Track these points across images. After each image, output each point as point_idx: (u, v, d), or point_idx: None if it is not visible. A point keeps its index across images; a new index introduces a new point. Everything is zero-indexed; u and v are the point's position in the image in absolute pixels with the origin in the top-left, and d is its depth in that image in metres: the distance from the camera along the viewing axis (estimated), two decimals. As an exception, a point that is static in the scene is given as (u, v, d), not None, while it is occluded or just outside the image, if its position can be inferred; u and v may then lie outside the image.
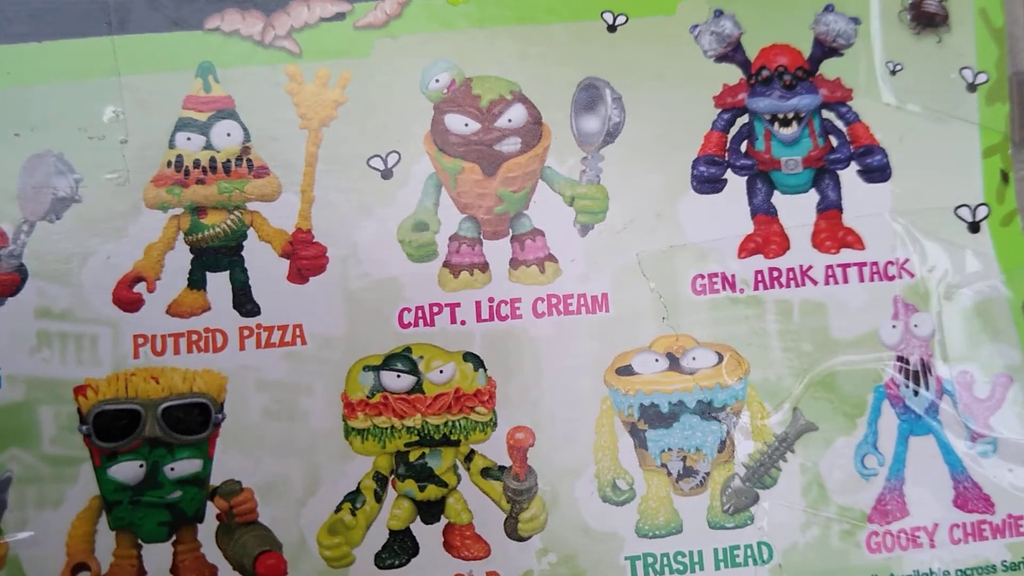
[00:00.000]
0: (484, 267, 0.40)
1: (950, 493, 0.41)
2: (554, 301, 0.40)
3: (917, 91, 0.43)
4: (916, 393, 0.41)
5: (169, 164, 0.40)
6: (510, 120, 0.41)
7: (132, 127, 0.40)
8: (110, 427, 0.38)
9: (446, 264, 0.40)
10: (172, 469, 0.38)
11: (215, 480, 0.39)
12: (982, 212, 0.42)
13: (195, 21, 0.41)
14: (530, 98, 0.41)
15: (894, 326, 0.41)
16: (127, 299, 0.39)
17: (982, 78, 0.43)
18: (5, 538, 0.37)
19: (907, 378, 0.41)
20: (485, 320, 0.40)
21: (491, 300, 0.40)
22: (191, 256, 0.40)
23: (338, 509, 0.39)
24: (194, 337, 0.39)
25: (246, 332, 0.39)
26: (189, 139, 0.40)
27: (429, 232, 0.40)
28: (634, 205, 0.41)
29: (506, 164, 0.41)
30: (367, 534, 0.39)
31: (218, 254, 0.40)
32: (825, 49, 0.43)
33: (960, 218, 0.42)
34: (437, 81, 0.41)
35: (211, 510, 0.39)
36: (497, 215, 0.41)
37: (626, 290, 0.41)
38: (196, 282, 0.39)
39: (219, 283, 0.40)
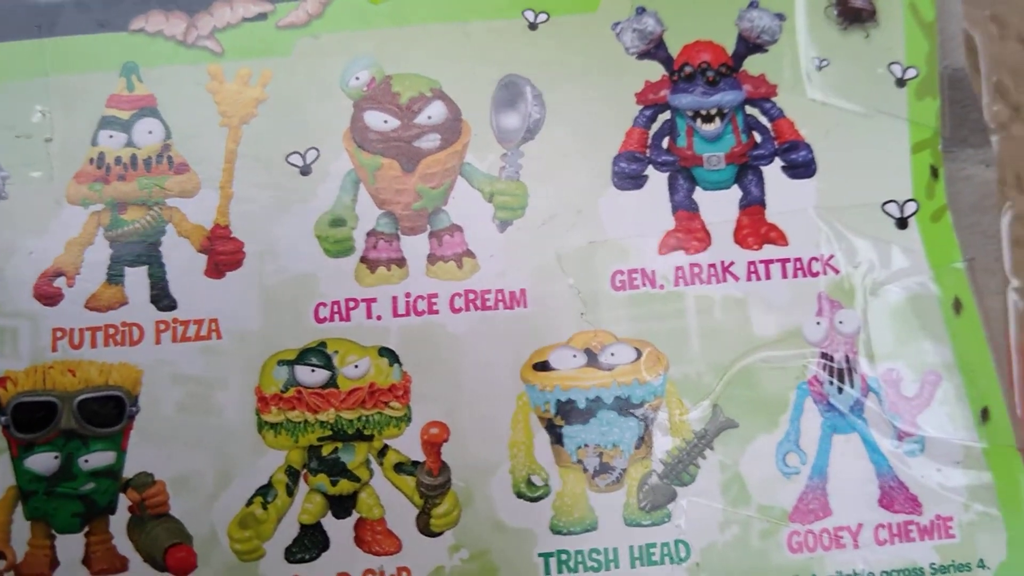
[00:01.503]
0: (401, 262, 0.41)
1: (875, 493, 0.41)
2: (471, 297, 0.41)
3: (844, 87, 0.43)
4: (840, 390, 0.41)
5: (92, 161, 0.41)
6: (430, 117, 0.42)
7: (58, 126, 0.42)
8: (28, 418, 0.39)
9: (363, 259, 0.41)
10: (86, 461, 0.39)
11: (128, 472, 0.40)
12: (910, 208, 0.43)
13: (121, 22, 0.42)
14: (450, 95, 0.42)
15: (818, 323, 0.42)
16: (47, 293, 0.40)
17: (911, 73, 0.43)
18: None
19: (831, 375, 0.41)
20: (401, 315, 0.41)
21: (408, 295, 0.41)
22: (110, 251, 0.41)
23: (249, 503, 0.40)
24: (111, 331, 0.40)
25: (162, 326, 0.40)
26: (112, 137, 0.41)
27: (346, 228, 0.41)
28: (554, 201, 0.42)
29: (425, 160, 0.42)
30: (278, 528, 0.40)
31: (137, 249, 0.41)
32: (749, 45, 0.43)
33: (888, 214, 0.43)
34: (357, 79, 0.42)
35: (124, 502, 0.40)
36: (415, 211, 0.42)
37: (545, 286, 0.41)
38: (115, 277, 0.41)
39: (137, 278, 0.41)
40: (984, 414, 0.42)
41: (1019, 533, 0.41)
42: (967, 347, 0.42)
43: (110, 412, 0.40)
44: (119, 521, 0.40)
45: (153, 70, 0.42)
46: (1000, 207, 0.45)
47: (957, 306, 0.43)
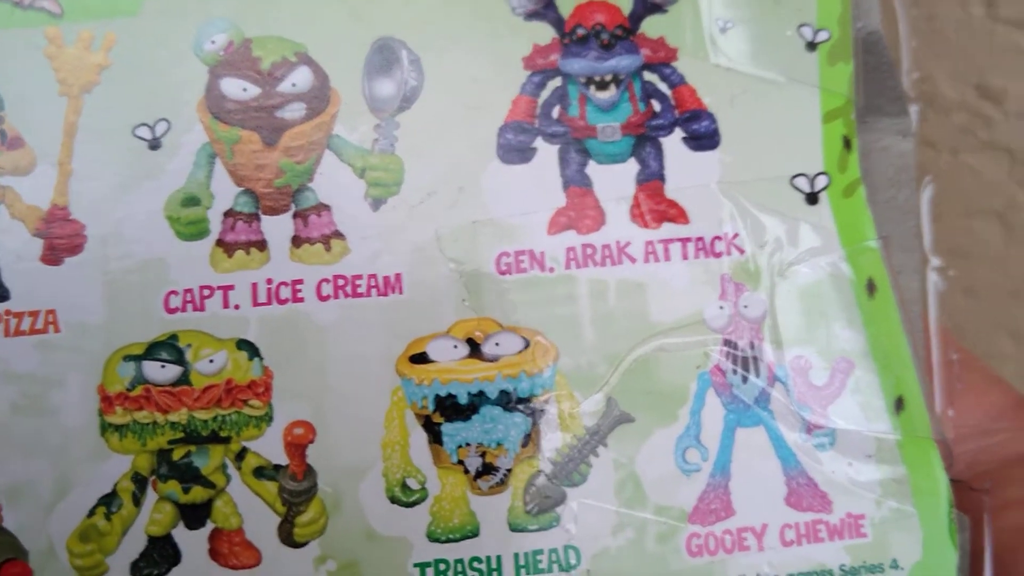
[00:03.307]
0: (262, 245, 0.38)
1: (782, 490, 0.39)
2: (341, 283, 0.38)
3: (750, 51, 0.41)
4: (745, 380, 0.38)
5: (-88, 135, 0.37)
6: (294, 84, 0.38)
7: None
8: None
9: (219, 242, 0.38)
10: None
11: None
12: (821, 182, 0.40)
13: (-54, -21, 0.38)
14: (317, 60, 0.39)
15: (721, 307, 0.39)
16: None
17: (823, 36, 0.41)
18: None
19: (735, 364, 0.38)
20: (262, 304, 0.38)
21: (269, 282, 0.38)
22: None
23: (91, 513, 0.37)
24: None
25: (-7, 319, 0.36)
26: (-66, 108, 0.37)
27: (200, 207, 0.38)
28: (433, 177, 0.39)
29: (289, 132, 0.38)
30: (123, 540, 0.37)
31: (-36, 233, 0.37)
32: (647, 5, 0.41)
33: (797, 188, 0.40)
34: (213, 42, 0.39)
35: None
36: (278, 188, 0.38)
37: (422, 270, 0.39)
38: (-62, 264, 0.37)
39: None
40: (899, 403, 0.40)
41: (935, 530, 0.39)
42: (881, 332, 0.40)
43: (-68, 415, 0.36)
44: (-57, 537, 0.36)
45: (-19, 33, 0.38)
46: (919, 181, 0.43)
47: (871, 288, 0.40)
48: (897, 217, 0.43)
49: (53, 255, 0.38)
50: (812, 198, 0.40)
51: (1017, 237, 0.61)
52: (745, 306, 0.39)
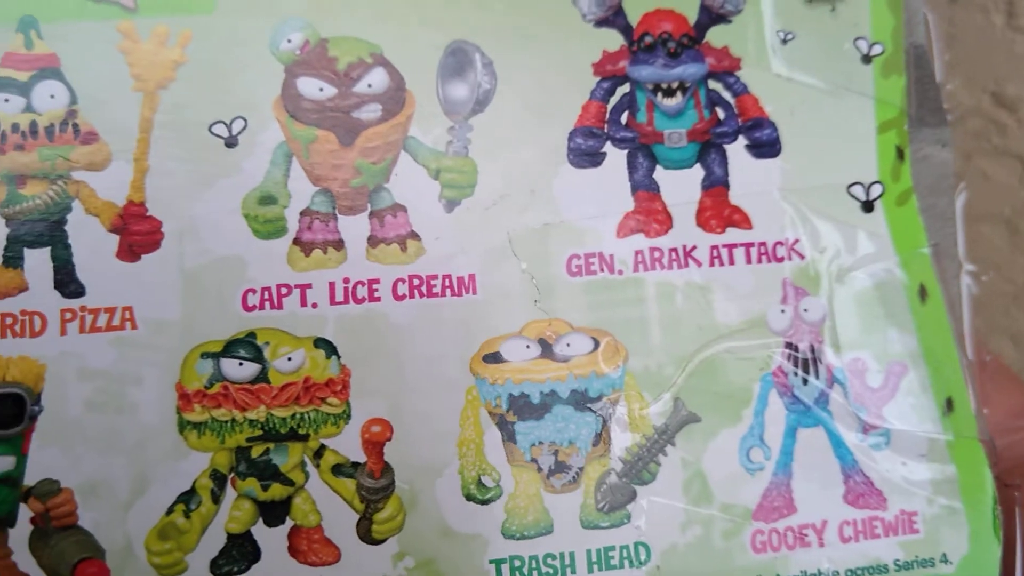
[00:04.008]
0: (339, 245, 0.38)
1: (840, 488, 0.40)
2: (416, 283, 0.38)
3: (809, 62, 0.42)
4: (805, 382, 0.40)
5: (-16, 128, 0.37)
6: (370, 85, 0.39)
7: (-58, 86, 0.37)
8: (-90, 421, 0.35)
9: (296, 241, 0.38)
10: None
11: (29, 480, 0.36)
12: (876, 191, 0.41)
13: (17, -30, 0.37)
14: (392, 62, 0.39)
15: (783, 311, 0.40)
16: (-68, 278, 0.36)
17: (877, 49, 0.42)
18: None
19: (796, 366, 0.40)
20: (339, 303, 0.38)
21: (346, 281, 0.38)
22: (7, 230, 0.38)
23: (170, 511, 0.37)
24: (8, 320, 0.37)
25: (68, 315, 0.37)
26: (7, 100, 0.37)
27: (278, 206, 0.38)
28: (505, 179, 0.40)
29: (365, 133, 0.38)
30: (202, 538, 0.37)
31: (38, 228, 0.37)
32: (712, 15, 0.41)
33: (853, 197, 0.41)
34: (289, 41, 0.39)
35: (24, 513, 0.36)
36: (354, 188, 0.38)
37: (495, 271, 0.39)
38: (12, 259, 0.37)
39: (39, 261, 0.38)
40: (948, 404, 0.41)
41: (980, 526, 0.41)
42: (932, 335, 0.42)
43: (8, 412, 0.36)
44: (19, 535, 0.36)
45: (55, 26, 0.38)
46: (956, 189, 0.44)
47: (923, 293, 0.42)
48: (938, 224, 0.44)
49: (130, 251, 0.37)
50: (868, 206, 0.42)
51: (1022, 243, 0.63)
52: (805, 310, 0.41)
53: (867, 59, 0.43)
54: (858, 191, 0.42)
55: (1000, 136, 0.57)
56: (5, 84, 0.37)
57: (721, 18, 0.42)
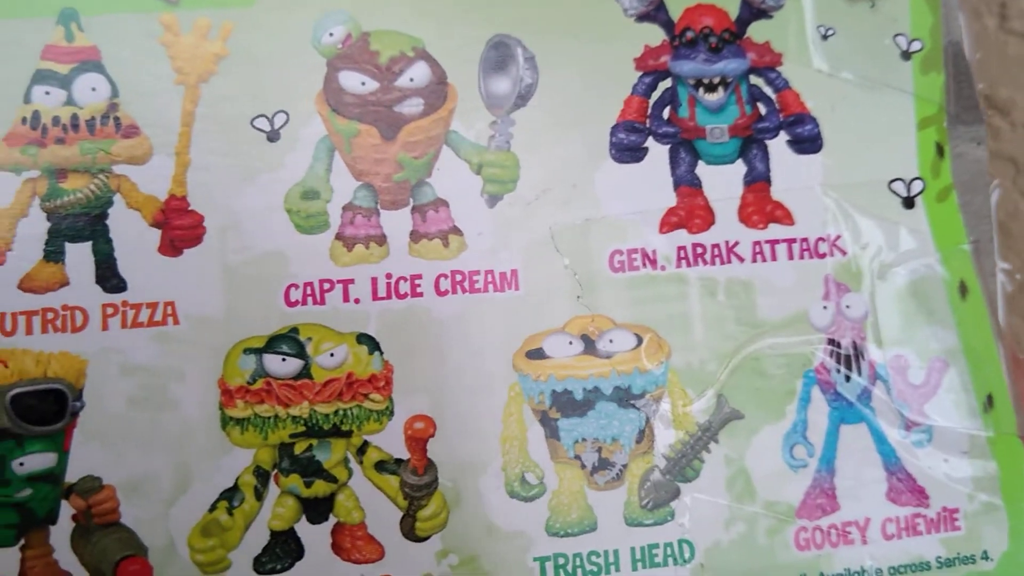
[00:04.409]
0: (381, 240, 0.38)
1: (883, 486, 0.40)
2: (459, 278, 0.38)
3: (850, 57, 0.42)
4: (848, 379, 0.39)
5: (24, 121, 0.37)
6: (412, 79, 0.38)
7: (-19, 79, 0.36)
8: (-50, 417, 0.34)
9: (339, 236, 0.38)
10: (21, 464, 0.35)
11: (71, 476, 0.36)
12: (917, 187, 0.41)
13: (57, -38, 0.37)
14: (434, 56, 0.39)
15: (825, 307, 0.40)
16: (-28, 272, 0.35)
17: (916, 46, 0.42)
18: None
19: (838, 362, 0.40)
20: (382, 298, 0.38)
21: (388, 276, 0.38)
22: (48, 224, 0.37)
23: (213, 508, 0.36)
24: (50, 315, 0.36)
25: (110, 310, 0.36)
26: (48, 93, 0.37)
27: (320, 201, 0.38)
28: (547, 174, 0.39)
29: (407, 127, 0.38)
30: (245, 535, 0.37)
31: (79, 222, 0.37)
32: (753, 10, 0.41)
33: (894, 193, 0.41)
34: (331, 35, 0.38)
35: (66, 510, 0.36)
36: (396, 183, 0.38)
37: (538, 266, 0.39)
38: (53, 254, 0.37)
39: (80, 255, 0.37)
40: (989, 401, 0.41)
41: (1021, 522, 0.41)
42: (972, 332, 0.42)
43: (49, 408, 0.36)
44: (61, 532, 0.36)
45: (96, 18, 0.38)
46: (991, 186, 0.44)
47: (963, 290, 0.42)
48: (973, 221, 0.44)
49: (171, 246, 0.37)
50: (908, 202, 0.42)
51: (1016, 246, 0.63)
52: (847, 306, 0.41)
53: (906, 55, 0.42)
54: (899, 187, 0.42)
55: (993, 139, 0.57)
56: (46, 77, 0.37)
57: (762, 13, 0.42)
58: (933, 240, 0.42)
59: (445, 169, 0.39)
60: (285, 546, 0.36)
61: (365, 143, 0.39)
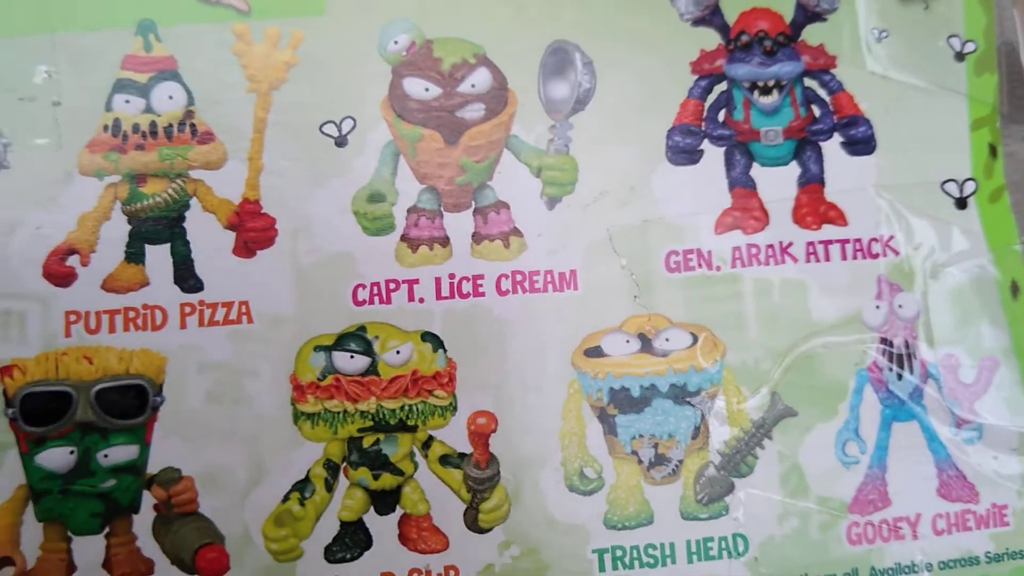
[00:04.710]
0: (444, 241, 0.39)
1: (934, 482, 0.41)
2: (519, 278, 0.39)
3: (903, 59, 0.42)
4: (900, 377, 0.40)
5: (106, 128, 0.38)
6: (473, 85, 0.39)
7: (66, 88, 0.39)
8: (39, 410, 0.37)
9: (404, 238, 0.39)
10: (106, 456, 0.37)
11: (152, 468, 0.38)
12: (970, 187, 0.42)
13: (135, -25, 0.39)
14: (495, 62, 0.40)
15: (878, 307, 0.40)
16: (59, 273, 0.38)
17: (970, 47, 0.42)
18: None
19: (891, 361, 0.40)
20: (445, 298, 0.39)
21: (452, 277, 0.39)
22: (129, 227, 0.39)
23: (285, 499, 0.38)
24: (131, 314, 0.38)
25: (188, 309, 0.38)
26: (128, 102, 0.38)
27: (386, 204, 0.39)
28: (605, 177, 0.40)
29: (469, 132, 0.39)
30: (317, 526, 0.38)
31: (158, 225, 0.38)
32: (808, 14, 0.42)
33: (947, 193, 0.42)
34: (396, 42, 0.39)
35: (148, 500, 0.38)
36: (459, 186, 0.39)
37: (596, 267, 0.40)
38: (134, 255, 0.38)
39: (159, 256, 0.39)
40: (1039, 400, 0.41)
41: (1068, 519, 0.41)
42: (1023, 331, 0.42)
43: (131, 403, 0.37)
44: (143, 521, 0.38)
45: (172, 29, 0.39)
46: None
47: (1014, 289, 0.42)
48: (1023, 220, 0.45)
49: (245, 248, 0.38)
50: (961, 203, 0.42)
51: None
52: (900, 306, 0.41)
53: (960, 57, 0.43)
54: (952, 188, 0.42)
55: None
56: (126, 86, 0.39)
57: (817, 16, 0.42)
58: (985, 240, 0.42)
59: (506, 172, 0.40)
60: (354, 536, 0.38)
61: (429, 147, 0.40)
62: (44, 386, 0.37)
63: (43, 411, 0.37)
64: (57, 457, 0.37)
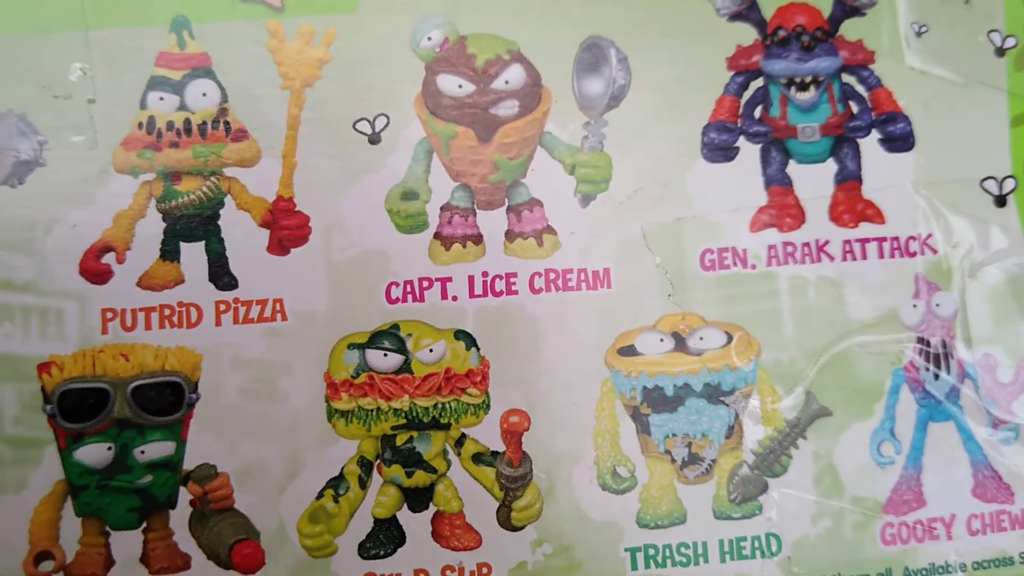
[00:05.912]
0: (478, 239, 0.39)
1: (969, 482, 0.40)
2: (552, 276, 0.39)
3: (943, 54, 0.42)
4: (937, 377, 0.40)
5: (140, 126, 0.38)
6: (507, 82, 0.39)
7: (100, 86, 0.38)
8: (76, 407, 0.37)
9: (437, 236, 0.39)
10: (143, 452, 0.37)
11: (189, 464, 0.38)
12: (1009, 185, 0.41)
13: (169, -28, 0.38)
14: (529, 58, 0.40)
15: (915, 305, 0.40)
16: (95, 270, 0.38)
17: (1011, 42, 0.42)
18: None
19: (927, 361, 0.40)
20: (478, 296, 0.39)
21: (485, 275, 0.39)
22: (164, 225, 0.39)
23: (320, 496, 0.38)
24: (167, 312, 0.38)
25: (222, 307, 0.38)
26: (162, 99, 0.38)
27: (419, 201, 0.39)
28: (639, 174, 0.40)
29: (502, 129, 0.39)
30: (351, 522, 0.39)
31: (193, 223, 0.38)
32: (846, 8, 0.41)
33: (986, 191, 0.41)
34: (429, 39, 0.39)
35: (184, 496, 0.38)
36: (492, 183, 0.39)
37: (630, 265, 0.40)
38: (169, 253, 0.38)
39: (194, 254, 0.39)
40: (1078, 400, 0.41)
41: (1105, 521, 0.40)
42: (1063, 331, 0.41)
43: (167, 399, 0.38)
44: (179, 516, 0.38)
45: (206, 26, 0.39)
46: None
47: (1054, 288, 0.41)
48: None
49: (279, 245, 0.38)
50: (1000, 200, 0.41)
51: None
52: (937, 304, 0.41)
53: (1000, 52, 0.42)
54: (991, 185, 0.41)
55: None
56: (160, 83, 0.39)
57: (855, 11, 0.41)
58: (1025, 239, 0.42)
59: (539, 169, 0.40)
60: (388, 533, 0.38)
61: (462, 145, 0.40)
62: (81, 383, 0.37)
63: (81, 408, 0.37)
64: (95, 453, 0.37)
